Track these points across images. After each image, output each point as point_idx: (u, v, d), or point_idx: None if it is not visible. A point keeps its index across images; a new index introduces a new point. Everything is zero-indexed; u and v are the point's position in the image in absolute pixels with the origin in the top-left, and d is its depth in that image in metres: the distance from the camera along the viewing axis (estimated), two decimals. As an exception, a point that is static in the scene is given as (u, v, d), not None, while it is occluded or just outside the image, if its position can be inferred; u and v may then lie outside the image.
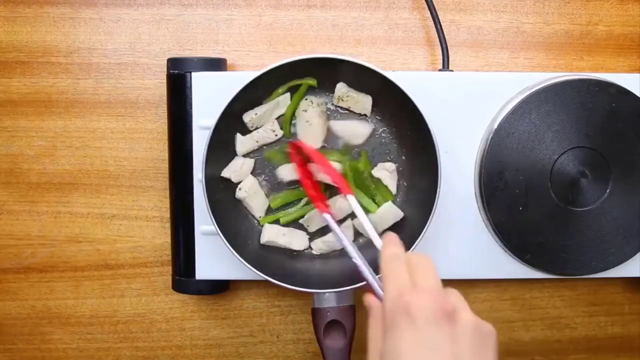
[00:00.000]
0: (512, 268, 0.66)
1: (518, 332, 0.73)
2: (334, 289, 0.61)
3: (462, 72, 0.68)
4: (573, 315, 0.73)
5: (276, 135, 0.65)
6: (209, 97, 0.64)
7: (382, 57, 0.70)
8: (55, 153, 0.70)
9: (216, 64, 0.66)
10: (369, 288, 0.50)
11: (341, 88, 0.64)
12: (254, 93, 0.62)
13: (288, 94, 0.65)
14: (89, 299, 0.72)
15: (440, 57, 0.67)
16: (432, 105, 0.60)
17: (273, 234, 0.65)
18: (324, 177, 0.63)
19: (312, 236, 0.66)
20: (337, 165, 0.63)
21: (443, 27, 0.67)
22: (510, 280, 0.72)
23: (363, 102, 0.64)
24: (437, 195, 0.60)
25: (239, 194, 0.64)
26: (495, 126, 0.64)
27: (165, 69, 0.67)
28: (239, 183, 0.64)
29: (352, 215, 0.65)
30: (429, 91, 0.63)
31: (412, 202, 0.65)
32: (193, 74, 0.64)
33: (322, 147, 0.65)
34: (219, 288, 0.68)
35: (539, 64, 0.71)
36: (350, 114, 0.65)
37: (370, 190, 0.65)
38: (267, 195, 0.66)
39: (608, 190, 0.65)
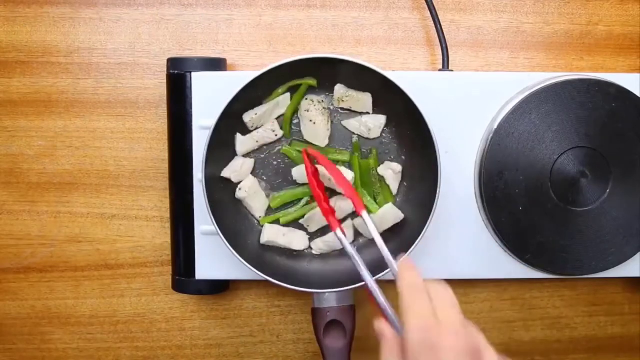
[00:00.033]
0: (512, 268, 0.66)
1: (518, 332, 0.73)
2: (334, 289, 0.61)
3: (462, 72, 0.68)
4: (573, 315, 0.73)
5: (276, 135, 0.65)
6: (209, 97, 0.64)
7: (382, 57, 0.70)
8: (55, 153, 0.70)
9: (216, 64, 0.66)
10: (379, 311, 0.49)
11: (339, 89, 0.64)
12: (254, 93, 0.62)
13: (288, 94, 0.65)
14: (89, 299, 0.72)
15: (440, 57, 0.67)
16: (432, 105, 0.60)
17: (273, 234, 0.65)
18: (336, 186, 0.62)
19: (312, 236, 0.66)
20: (348, 173, 0.63)
21: (443, 27, 0.67)
22: (510, 280, 0.72)
23: (363, 100, 0.64)
24: (437, 195, 0.60)
25: (239, 194, 0.64)
26: (495, 126, 0.64)
27: (165, 69, 0.67)
28: (239, 183, 0.64)
29: (353, 215, 0.65)
30: (429, 91, 0.63)
31: (412, 202, 0.65)
32: (193, 74, 0.64)
33: (330, 146, 0.65)
34: (219, 288, 0.68)
35: (539, 64, 0.71)
36: (352, 113, 0.66)
37: (374, 189, 0.65)
38: (267, 195, 0.66)
39: (608, 190, 0.65)
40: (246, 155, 0.65)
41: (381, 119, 0.65)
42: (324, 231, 0.66)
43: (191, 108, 0.64)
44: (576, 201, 0.65)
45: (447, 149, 0.63)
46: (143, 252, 0.71)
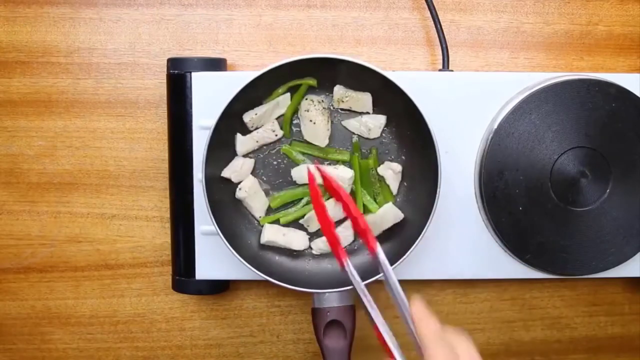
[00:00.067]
0: (512, 268, 0.66)
1: (518, 332, 0.73)
2: (334, 289, 0.61)
3: (462, 72, 0.68)
4: (573, 315, 0.73)
5: (276, 135, 0.65)
6: (209, 97, 0.64)
7: (382, 57, 0.70)
8: (55, 153, 0.70)
9: (216, 64, 0.66)
10: (388, 351, 0.48)
11: (339, 90, 0.64)
12: (254, 93, 0.62)
13: (288, 94, 0.65)
14: (89, 299, 0.72)
15: (440, 57, 0.67)
16: (432, 105, 0.60)
17: (273, 234, 0.65)
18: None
19: (312, 236, 0.66)
20: (347, 171, 0.63)
21: (443, 27, 0.67)
22: (510, 280, 0.72)
23: (363, 100, 0.64)
24: (437, 195, 0.60)
25: (239, 194, 0.64)
26: (495, 126, 0.64)
27: (165, 69, 0.67)
28: (239, 183, 0.64)
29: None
30: (429, 91, 0.63)
31: (412, 202, 0.65)
32: (193, 74, 0.64)
33: (330, 146, 0.65)
34: (219, 288, 0.68)
35: (539, 64, 0.71)
36: (352, 113, 0.66)
37: (374, 189, 0.65)
38: (267, 195, 0.66)
39: (608, 190, 0.65)
40: (246, 155, 0.65)
41: (381, 119, 0.65)
42: (324, 231, 0.66)
43: (191, 108, 0.64)
44: (576, 201, 0.65)
45: (447, 149, 0.63)
46: (143, 252, 0.71)
